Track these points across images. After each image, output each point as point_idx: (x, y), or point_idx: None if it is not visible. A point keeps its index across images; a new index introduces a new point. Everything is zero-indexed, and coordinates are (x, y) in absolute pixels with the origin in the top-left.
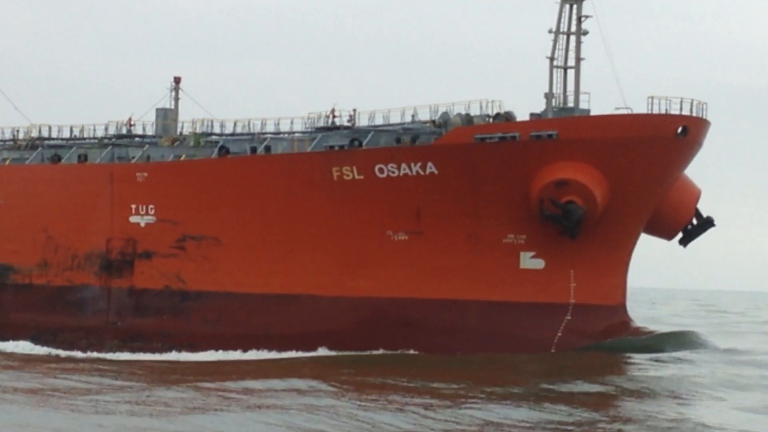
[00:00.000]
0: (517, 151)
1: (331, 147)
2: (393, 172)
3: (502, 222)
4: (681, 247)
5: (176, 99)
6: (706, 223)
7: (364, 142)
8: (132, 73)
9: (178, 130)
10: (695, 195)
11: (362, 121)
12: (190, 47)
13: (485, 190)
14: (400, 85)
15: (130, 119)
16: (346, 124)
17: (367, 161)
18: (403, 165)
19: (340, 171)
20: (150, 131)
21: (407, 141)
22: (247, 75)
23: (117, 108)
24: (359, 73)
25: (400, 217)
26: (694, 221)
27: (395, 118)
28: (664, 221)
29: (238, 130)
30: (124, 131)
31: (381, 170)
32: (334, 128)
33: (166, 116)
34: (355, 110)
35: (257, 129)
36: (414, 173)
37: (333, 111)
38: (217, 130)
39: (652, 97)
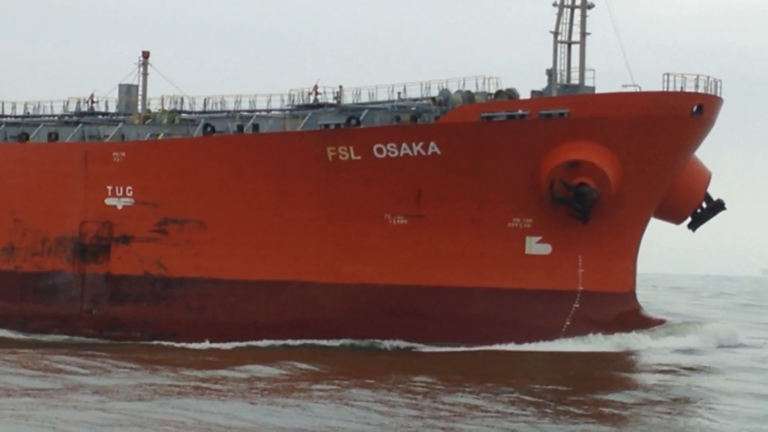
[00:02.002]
0: (527, 131)
1: (326, 126)
2: (393, 153)
3: (507, 205)
4: (690, 231)
5: (144, 75)
6: (717, 207)
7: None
8: (96, 49)
9: (146, 107)
10: (706, 178)
11: (347, 99)
12: (159, 23)
13: (491, 172)
14: (386, 61)
15: (92, 96)
16: (330, 101)
17: (365, 141)
18: (404, 145)
19: (335, 151)
20: (113, 108)
21: (407, 119)
22: (220, 53)
23: (79, 85)
24: (341, 51)
25: (399, 200)
26: (704, 204)
27: (382, 96)
28: (673, 205)
29: (209, 107)
30: (85, 108)
31: (380, 150)
32: (317, 106)
33: (130, 92)
34: (341, 87)
35: (231, 107)
36: (415, 153)
37: (316, 88)
38: (187, 107)
39: (668, 74)
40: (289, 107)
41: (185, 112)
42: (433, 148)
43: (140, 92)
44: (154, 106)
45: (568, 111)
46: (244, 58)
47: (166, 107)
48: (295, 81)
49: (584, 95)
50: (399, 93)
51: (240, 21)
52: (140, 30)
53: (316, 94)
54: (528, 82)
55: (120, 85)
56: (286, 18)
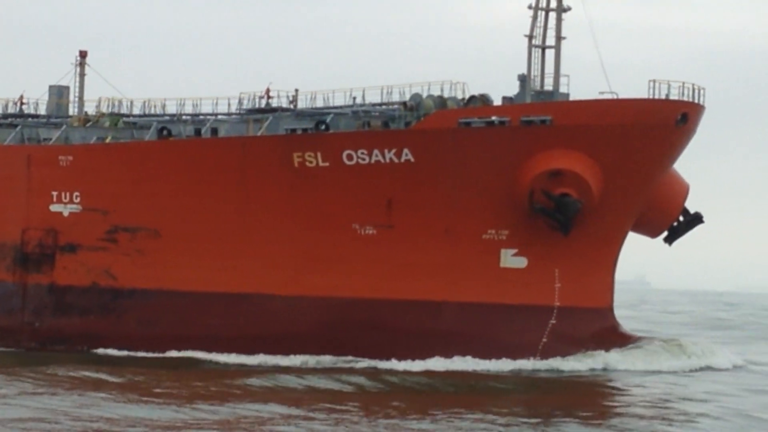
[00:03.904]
0: (507, 138)
1: (293, 130)
2: (363, 160)
3: (482, 215)
4: (666, 245)
5: (81, 75)
6: (694, 220)
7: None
8: (24, 50)
9: (83, 109)
10: (684, 190)
11: (300, 103)
12: (93, 25)
13: (466, 180)
14: (341, 64)
15: (21, 97)
16: (285, 105)
17: (334, 147)
18: (376, 151)
19: (302, 157)
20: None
21: (378, 125)
22: (155, 55)
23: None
24: (293, 54)
25: (368, 209)
26: (681, 218)
27: (339, 100)
28: (650, 218)
29: (150, 110)
30: (14, 110)
31: (350, 157)
32: (270, 110)
33: (61, 94)
34: (296, 90)
35: (174, 110)
36: (387, 161)
37: (268, 91)
38: (125, 110)
39: (653, 81)
40: (238, 111)
41: (125, 115)
42: (407, 155)
43: (76, 94)
44: (90, 109)
45: (551, 118)
46: (183, 61)
47: (104, 110)
48: (242, 85)
49: (568, 102)
50: (354, 98)
51: (177, 24)
52: (74, 32)
53: (269, 97)
54: (492, 86)
55: (50, 87)
56: (229, 21)
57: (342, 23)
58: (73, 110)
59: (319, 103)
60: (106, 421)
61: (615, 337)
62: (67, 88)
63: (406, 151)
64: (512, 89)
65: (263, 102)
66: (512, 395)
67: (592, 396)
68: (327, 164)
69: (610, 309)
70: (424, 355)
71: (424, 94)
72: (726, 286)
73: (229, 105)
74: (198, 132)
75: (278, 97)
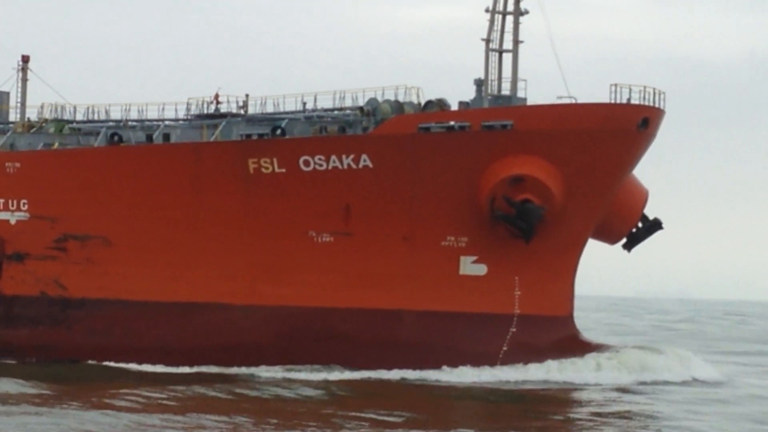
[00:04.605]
0: (468, 143)
1: (248, 136)
2: (320, 166)
3: (441, 222)
4: (625, 251)
5: (24, 80)
6: (654, 226)
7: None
8: None
9: (26, 115)
10: (643, 196)
11: (250, 108)
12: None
13: (426, 187)
14: (291, 70)
15: None
16: (235, 111)
17: (291, 153)
18: (333, 157)
19: (258, 163)
20: None
21: (334, 130)
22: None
23: None
24: (243, 60)
25: (325, 217)
26: (639, 224)
27: (290, 106)
28: (609, 224)
29: (96, 116)
30: None
31: (307, 163)
32: (220, 115)
33: (1, 100)
34: (247, 96)
35: (118, 115)
36: (345, 167)
37: (217, 96)
38: (68, 116)
39: (615, 85)
40: (186, 117)
41: (69, 121)
42: (365, 161)
43: (18, 99)
44: (31, 114)
45: (512, 123)
46: (127, 67)
47: (47, 115)
48: (189, 90)
49: (529, 106)
50: (305, 103)
51: (121, 29)
52: (13, 37)
53: (218, 103)
54: (447, 91)
55: None
56: (173, 26)
57: (287, 28)
58: (15, 116)
59: (270, 109)
60: None
61: (575, 346)
62: (7, 93)
63: (364, 157)
64: (467, 94)
65: (212, 107)
66: (469, 405)
67: (547, 407)
68: (283, 170)
69: (571, 317)
70: (382, 365)
71: (380, 99)
72: (627, 291)
73: (176, 110)
74: (149, 138)
75: (228, 102)
